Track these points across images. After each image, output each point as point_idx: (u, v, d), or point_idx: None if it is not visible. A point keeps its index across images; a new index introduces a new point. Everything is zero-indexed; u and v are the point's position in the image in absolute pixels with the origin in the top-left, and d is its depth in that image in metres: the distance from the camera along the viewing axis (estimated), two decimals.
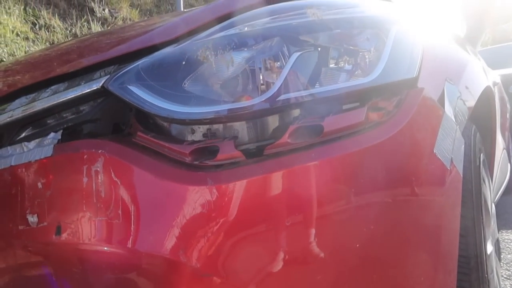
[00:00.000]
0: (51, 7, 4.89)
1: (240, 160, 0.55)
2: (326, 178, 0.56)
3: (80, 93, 0.61)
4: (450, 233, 0.70)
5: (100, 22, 5.07)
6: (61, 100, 0.62)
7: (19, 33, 4.13)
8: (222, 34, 0.63)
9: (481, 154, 0.97)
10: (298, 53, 0.63)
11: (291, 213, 0.54)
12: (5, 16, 4.15)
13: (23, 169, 0.59)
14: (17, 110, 0.65)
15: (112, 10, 5.49)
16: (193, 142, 0.57)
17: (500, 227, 2.25)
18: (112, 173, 0.54)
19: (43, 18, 4.63)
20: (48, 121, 0.66)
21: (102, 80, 0.60)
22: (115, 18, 5.35)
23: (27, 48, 3.95)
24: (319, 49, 0.66)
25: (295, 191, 0.55)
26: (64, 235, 0.54)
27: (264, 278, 0.54)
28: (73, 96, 0.61)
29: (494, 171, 1.42)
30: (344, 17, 0.68)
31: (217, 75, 0.62)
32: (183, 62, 0.59)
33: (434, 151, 0.66)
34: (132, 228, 0.52)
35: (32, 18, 4.58)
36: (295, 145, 0.56)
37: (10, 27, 4.03)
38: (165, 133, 0.60)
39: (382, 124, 0.61)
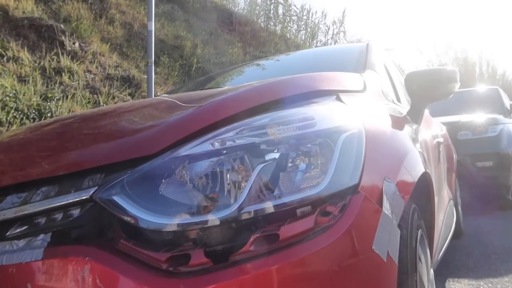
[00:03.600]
0: (21, 38, 4.88)
1: (209, 267, 0.65)
2: (282, 279, 0.67)
3: (71, 200, 0.70)
4: None
5: (70, 56, 5.07)
6: (52, 205, 0.70)
7: None
8: (196, 150, 0.74)
9: (419, 231, 1.12)
10: (261, 165, 0.75)
11: None
12: None
13: (14, 269, 0.66)
14: (10, 210, 0.72)
15: (82, 44, 5.52)
16: (168, 249, 0.67)
17: (448, 275, 2.43)
18: (97, 279, 0.63)
19: (11, 50, 4.60)
20: (37, 220, 0.73)
21: (91, 191, 0.69)
22: (85, 52, 5.38)
23: None
24: (278, 157, 0.78)
25: None
26: None
27: None
28: (63, 203, 0.70)
29: (435, 236, 1.59)
30: (299, 133, 0.81)
31: (189, 180, 0.73)
32: (163, 180, 0.69)
33: (373, 247, 0.79)
34: None
35: (0, 49, 4.54)
36: (256, 252, 0.67)
37: None
38: (144, 237, 0.70)
39: (329, 228, 0.74)
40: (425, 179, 1.29)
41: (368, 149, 0.90)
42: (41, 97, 4.13)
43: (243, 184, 0.72)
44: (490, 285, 2.22)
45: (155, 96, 4.94)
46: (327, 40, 15.01)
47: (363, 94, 1.25)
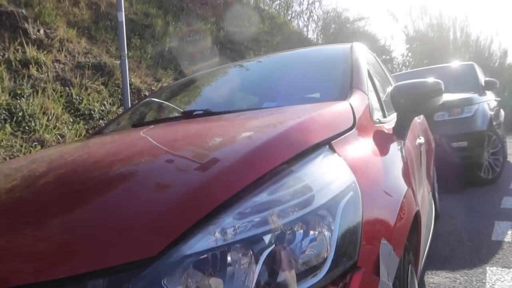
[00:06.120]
0: None
1: None
2: None
3: None
4: None
5: (35, 45, 4.81)
6: None
7: None
8: (195, 249, 0.72)
9: (409, 266, 1.16)
10: (266, 253, 0.75)
11: None
12: None
13: None
14: None
15: (48, 31, 5.23)
16: None
17: (426, 267, 2.54)
18: None
19: None
20: None
21: None
22: (52, 39, 5.11)
23: None
24: (278, 242, 0.77)
25: None
26: None
27: None
28: None
29: (420, 254, 1.64)
30: (298, 216, 0.81)
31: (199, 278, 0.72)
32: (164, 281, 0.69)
33: None
34: None
35: None
36: None
37: None
38: None
39: None
40: (415, 218, 1.32)
41: (365, 211, 0.91)
42: (10, 94, 3.93)
43: (249, 276, 0.72)
44: (466, 277, 2.34)
45: (130, 85, 4.78)
46: (302, 10, 14.77)
47: (353, 131, 1.24)
